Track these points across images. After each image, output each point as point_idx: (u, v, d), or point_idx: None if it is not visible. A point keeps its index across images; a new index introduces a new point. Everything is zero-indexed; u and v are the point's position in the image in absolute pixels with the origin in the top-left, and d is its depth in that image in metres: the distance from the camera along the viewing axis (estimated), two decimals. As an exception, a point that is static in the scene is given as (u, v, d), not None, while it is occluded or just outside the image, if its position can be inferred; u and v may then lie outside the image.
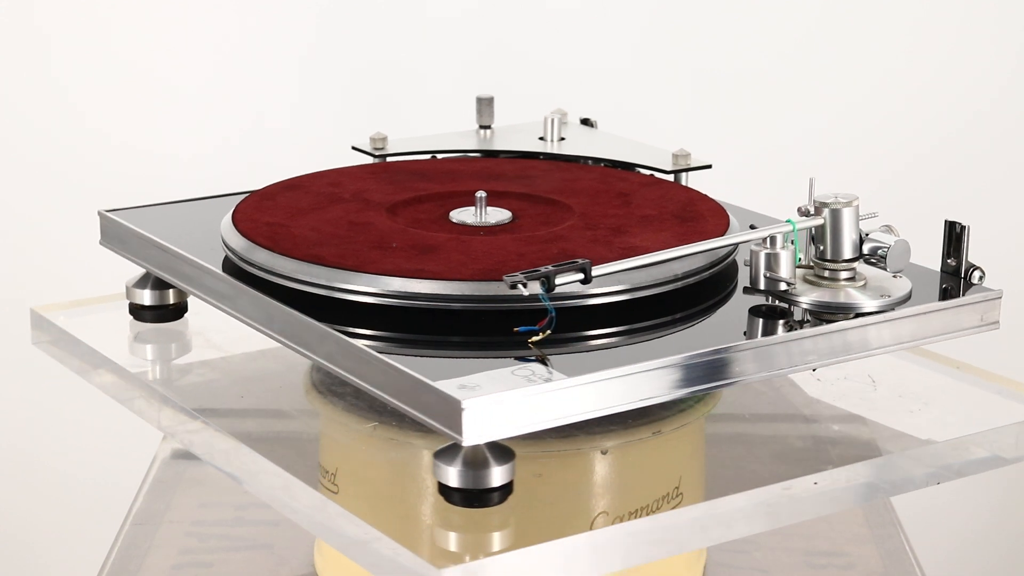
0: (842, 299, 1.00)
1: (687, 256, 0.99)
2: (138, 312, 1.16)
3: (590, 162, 1.23)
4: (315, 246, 1.02)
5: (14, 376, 1.63)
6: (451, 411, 0.85)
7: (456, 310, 0.95)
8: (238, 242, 1.04)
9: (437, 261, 0.99)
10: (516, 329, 0.93)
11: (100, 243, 1.16)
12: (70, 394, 1.57)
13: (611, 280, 0.96)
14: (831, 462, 1.01)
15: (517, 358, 0.92)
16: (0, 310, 1.62)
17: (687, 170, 1.20)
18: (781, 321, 0.98)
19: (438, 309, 0.96)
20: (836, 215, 1.01)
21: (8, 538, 1.67)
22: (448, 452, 0.89)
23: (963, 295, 1.02)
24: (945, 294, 1.02)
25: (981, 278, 1.05)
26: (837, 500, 0.99)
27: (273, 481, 0.96)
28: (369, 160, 1.26)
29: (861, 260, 1.02)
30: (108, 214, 1.16)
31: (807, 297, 0.99)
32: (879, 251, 1.01)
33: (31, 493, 1.66)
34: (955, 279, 1.04)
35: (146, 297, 1.15)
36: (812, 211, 1.01)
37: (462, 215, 1.09)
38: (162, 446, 1.36)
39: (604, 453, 1.01)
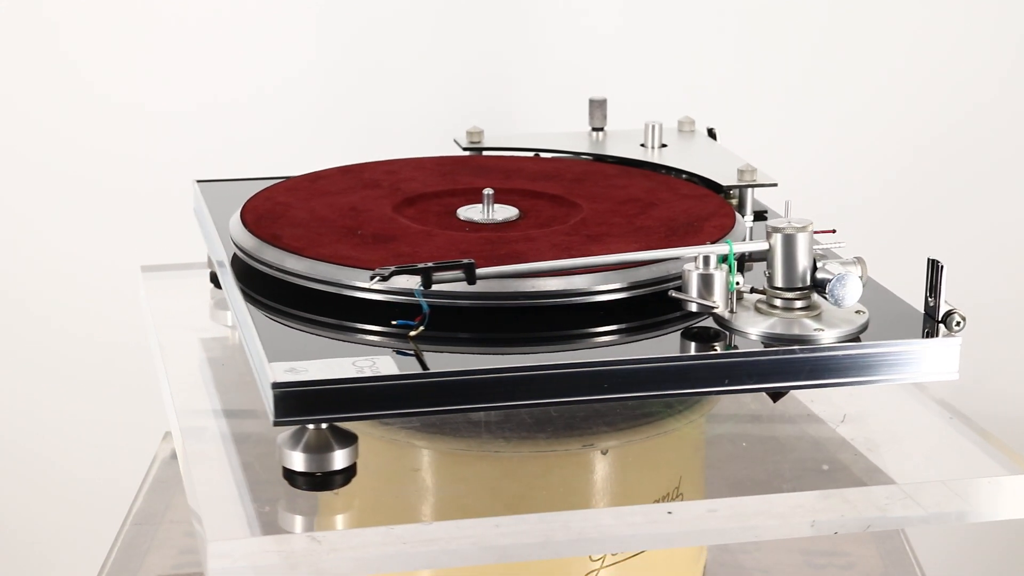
0: (781, 329, 0.94)
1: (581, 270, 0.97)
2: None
3: (670, 172, 1.20)
4: (289, 226, 1.05)
5: (14, 375, 1.66)
6: (268, 392, 0.88)
7: (356, 298, 0.97)
8: (246, 215, 1.09)
9: (378, 250, 1.01)
10: (394, 323, 0.94)
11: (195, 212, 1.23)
12: (70, 393, 1.63)
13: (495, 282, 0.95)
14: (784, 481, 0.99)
15: (397, 351, 0.92)
16: (0, 310, 1.66)
17: (751, 186, 1.16)
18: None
19: (333, 294, 0.98)
20: (789, 241, 0.96)
21: (9, 538, 1.70)
22: (293, 437, 0.91)
23: (925, 337, 0.94)
24: (904, 333, 0.95)
25: (959, 323, 0.97)
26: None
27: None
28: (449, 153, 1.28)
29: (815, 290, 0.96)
30: (203, 183, 1.24)
31: (750, 324, 0.94)
32: (826, 283, 0.95)
33: (31, 493, 1.67)
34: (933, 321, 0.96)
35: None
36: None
37: (470, 211, 1.09)
38: (162, 446, 1.38)
39: (604, 453, 1.00)
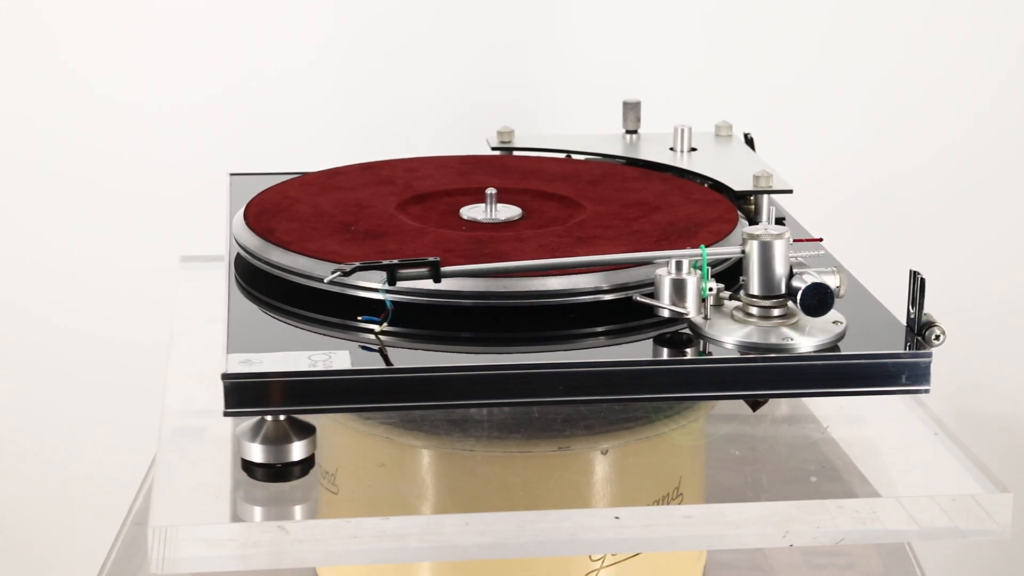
0: (756, 338, 0.93)
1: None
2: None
3: (694, 177, 1.19)
4: (288, 220, 1.07)
5: (14, 375, 1.65)
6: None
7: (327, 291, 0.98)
8: (251, 208, 1.10)
9: (365, 246, 1.02)
10: (359, 319, 0.95)
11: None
12: (70, 393, 1.62)
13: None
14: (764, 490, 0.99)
15: (362, 346, 0.93)
16: (0, 308, 1.66)
17: (764, 192, 1.14)
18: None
19: (302, 285, 0.99)
20: (765, 248, 0.95)
21: (8, 537, 1.69)
22: (252, 429, 0.92)
23: (900, 350, 0.92)
24: (880, 345, 0.93)
25: (938, 337, 0.94)
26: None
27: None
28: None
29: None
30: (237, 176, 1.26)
31: (725, 331, 0.93)
32: (796, 292, 0.93)
33: (31, 492, 1.67)
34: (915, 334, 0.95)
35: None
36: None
37: (472, 211, 1.10)
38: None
39: (604, 453, 1.00)
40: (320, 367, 0.89)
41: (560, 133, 1.30)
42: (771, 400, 1.06)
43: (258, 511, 0.93)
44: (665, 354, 0.93)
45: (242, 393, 0.88)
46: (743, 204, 1.16)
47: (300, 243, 1.02)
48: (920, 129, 1.63)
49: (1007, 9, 1.61)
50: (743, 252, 0.95)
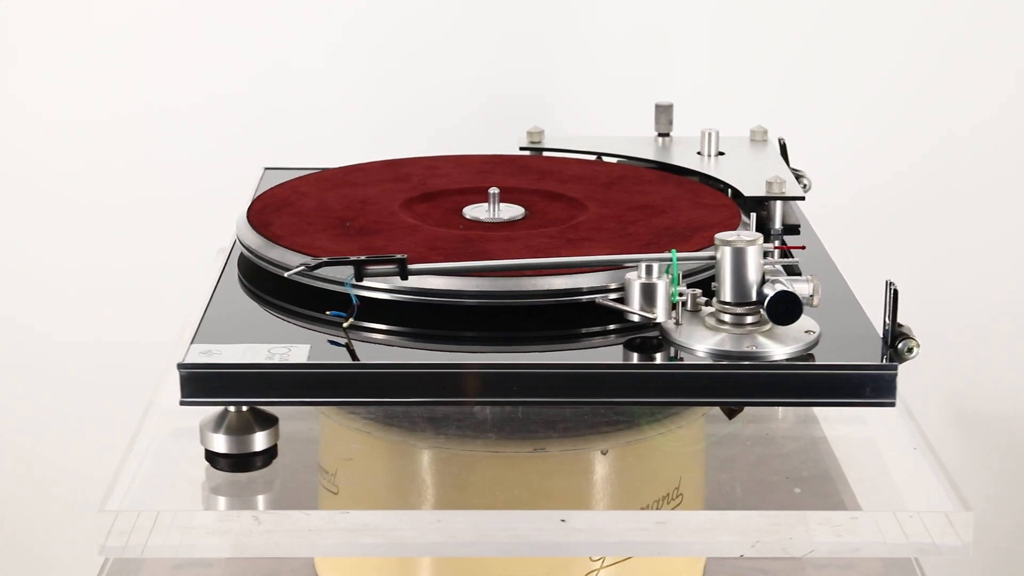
0: (724, 345, 0.92)
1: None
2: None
3: (716, 182, 1.18)
4: (288, 215, 1.08)
5: (14, 375, 1.65)
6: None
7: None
8: (258, 202, 1.12)
9: (352, 242, 1.02)
10: (327, 313, 0.95)
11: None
12: (70, 392, 1.62)
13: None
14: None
15: (331, 340, 0.94)
16: (0, 307, 1.66)
17: (775, 198, 1.13)
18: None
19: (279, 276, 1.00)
20: (737, 254, 0.93)
21: (8, 537, 1.68)
22: (215, 420, 0.93)
23: (857, 365, 0.90)
24: (849, 356, 0.91)
25: (911, 350, 0.92)
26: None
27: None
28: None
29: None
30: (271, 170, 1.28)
31: (695, 337, 0.92)
32: (764, 300, 0.92)
33: (31, 492, 1.66)
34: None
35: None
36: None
37: (475, 210, 1.10)
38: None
39: (604, 453, 1.00)
40: (276, 360, 0.90)
41: (590, 135, 1.29)
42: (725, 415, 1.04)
43: (222, 500, 0.94)
44: (631, 358, 0.92)
45: (198, 383, 0.90)
46: (760, 210, 1.14)
47: (290, 237, 1.03)
48: (921, 128, 1.61)
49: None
50: (714, 258, 0.94)
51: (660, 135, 1.28)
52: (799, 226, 1.14)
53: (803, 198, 1.13)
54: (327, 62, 1.57)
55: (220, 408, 0.93)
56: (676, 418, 1.03)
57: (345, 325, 0.94)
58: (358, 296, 0.94)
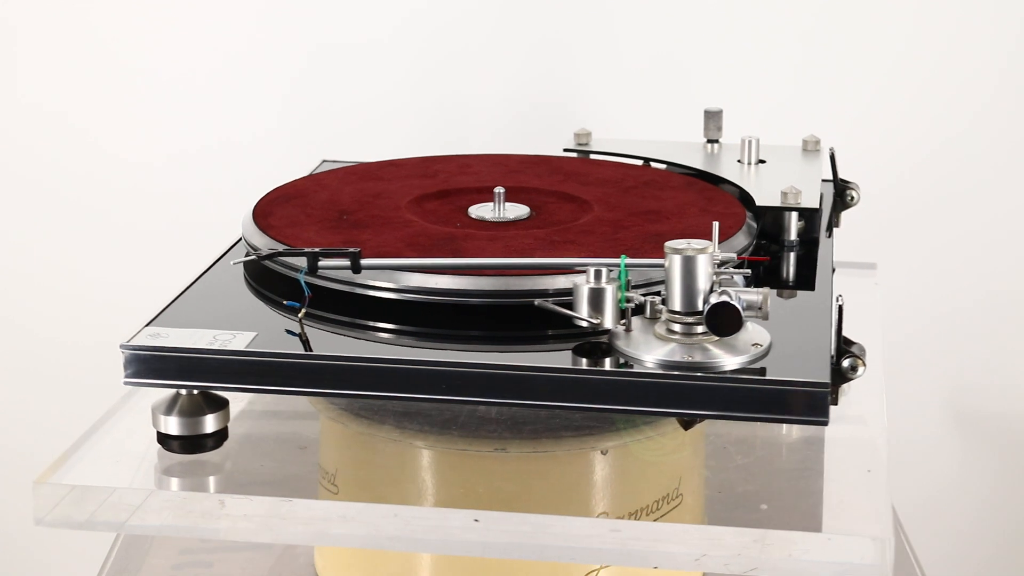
0: (668, 354, 0.91)
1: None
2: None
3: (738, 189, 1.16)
4: (296, 206, 1.10)
5: (14, 375, 1.66)
6: (123, 352, 0.93)
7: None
8: (273, 194, 1.14)
9: (339, 235, 1.04)
10: (284, 303, 0.97)
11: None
12: (71, 393, 1.62)
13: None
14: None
15: (288, 330, 0.96)
16: (0, 306, 1.66)
17: (789, 209, 1.10)
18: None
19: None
20: (687, 263, 0.92)
21: (8, 538, 1.69)
22: (166, 404, 0.96)
23: (788, 380, 0.88)
24: (789, 372, 0.89)
25: (855, 369, 0.90)
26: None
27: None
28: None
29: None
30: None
31: (642, 344, 0.91)
32: (707, 311, 0.90)
33: (31, 493, 1.69)
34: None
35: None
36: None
37: (481, 209, 1.10)
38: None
39: (604, 453, 1.00)
40: (217, 346, 0.92)
41: (639, 139, 1.28)
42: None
43: (175, 482, 0.96)
44: (578, 363, 0.91)
45: (140, 365, 0.92)
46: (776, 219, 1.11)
47: (280, 228, 1.05)
48: (921, 129, 1.60)
49: None
50: (664, 266, 0.92)
51: (709, 141, 1.26)
52: (817, 238, 1.11)
53: (817, 209, 1.10)
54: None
55: (172, 391, 0.95)
56: (658, 424, 1.01)
57: (299, 316, 0.96)
58: (310, 287, 0.95)
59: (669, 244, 0.92)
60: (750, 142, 1.21)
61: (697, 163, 1.22)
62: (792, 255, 1.10)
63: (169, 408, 0.95)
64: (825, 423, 0.87)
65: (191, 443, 0.96)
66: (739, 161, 1.21)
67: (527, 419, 0.99)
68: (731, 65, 1.57)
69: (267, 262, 1.01)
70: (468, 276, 0.95)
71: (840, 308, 0.89)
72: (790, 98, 1.58)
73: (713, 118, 1.25)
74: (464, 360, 0.90)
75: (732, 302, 0.89)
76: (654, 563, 0.93)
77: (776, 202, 1.11)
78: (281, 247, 1.01)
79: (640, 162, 1.25)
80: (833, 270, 1.19)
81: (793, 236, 1.11)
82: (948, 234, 1.61)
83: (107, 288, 1.67)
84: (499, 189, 1.09)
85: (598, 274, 0.92)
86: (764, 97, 1.57)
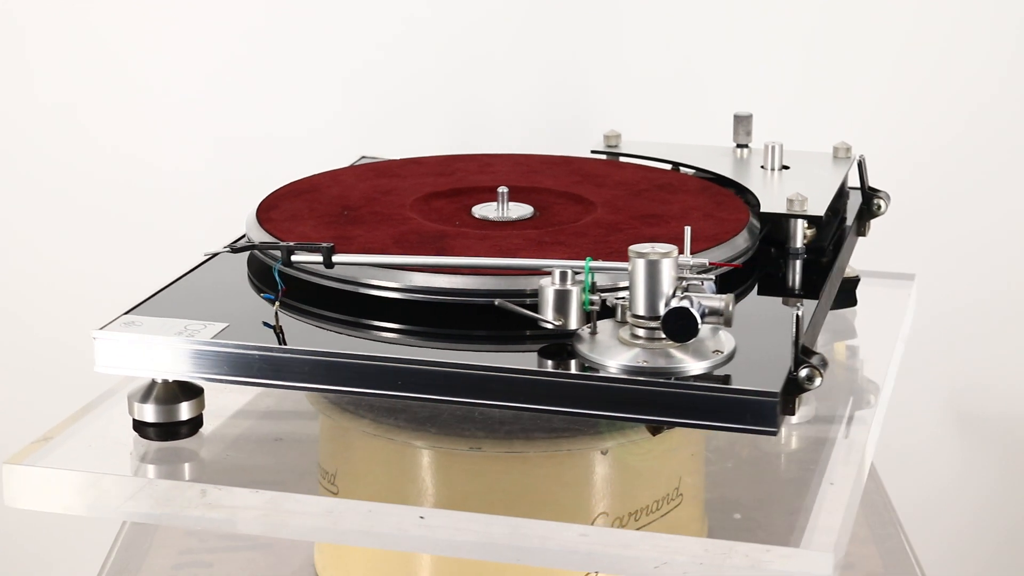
0: (632, 359, 0.90)
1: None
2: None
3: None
4: (303, 202, 1.11)
5: (13, 373, 1.66)
6: (97, 339, 0.95)
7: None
8: (284, 189, 1.16)
9: (332, 230, 1.05)
10: (262, 295, 0.98)
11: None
12: (71, 393, 1.61)
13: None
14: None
15: (265, 322, 0.97)
16: (0, 306, 1.66)
17: (794, 216, 1.08)
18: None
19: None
20: (651, 267, 0.91)
21: (8, 538, 1.68)
22: (142, 392, 0.98)
23: (736, 389, 0.87)
24: (746, 380, 0.88)
25: (811, 379, 0.88)
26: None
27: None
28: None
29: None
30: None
31: (604, 348, 0.91)
32: (663, 316, 0.90)
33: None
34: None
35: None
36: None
37: (484, 209, 1.11)
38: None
39: (604, 453, 1.00)
40: (185, 335, 0.93)
41: (669, 142, 1.27)
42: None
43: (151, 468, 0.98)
44: (544, 365, 0.91)
45: (110, 352, 0.94)
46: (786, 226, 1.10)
47: (279, 221, 1.06)
48: (922, 129, 1.58)
49: None
50: (627, 270, 0.92)
51: (739, 146, 1.24)
52: (823, 248, 1.10)
53: (822, 217, 1.08)
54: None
55: (148, 379, 0.97)
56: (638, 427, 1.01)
57: (275, 308, 0.97)
58: (284, 281, 0.97)
59: (633, 248, 0.91)
60: (773, 147, 1.19)
61: (723, 168, 1.21)
62: (798, 263, 1.08)
63: (145, 396, 0.97)
64: (774, 433, 0.86)
65: (166, 430, 0.97)
66: (762, 167, 1.20)
67: (539, 421, 0.99)
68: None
69: (258, 254, 1.02)
70: (438, 274, 0.95)
71: (798, 317, 0.88)
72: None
73: (742, 123, 1.24)
74: (420, 358, 0.90)
75: (688, 307, 0.88)
76: (617, 569, 0.93)
77: (783, 209, 1.09)
78: (271, 240, 1.02)
79: (669, 166, 1.24)
80: (857, 279, 1.18)
81: (799, 243, 1.09)
82: (948, 234, 1.61)
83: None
84: (502, 189, 1.09)
85: (563, 276, 0.92)
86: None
